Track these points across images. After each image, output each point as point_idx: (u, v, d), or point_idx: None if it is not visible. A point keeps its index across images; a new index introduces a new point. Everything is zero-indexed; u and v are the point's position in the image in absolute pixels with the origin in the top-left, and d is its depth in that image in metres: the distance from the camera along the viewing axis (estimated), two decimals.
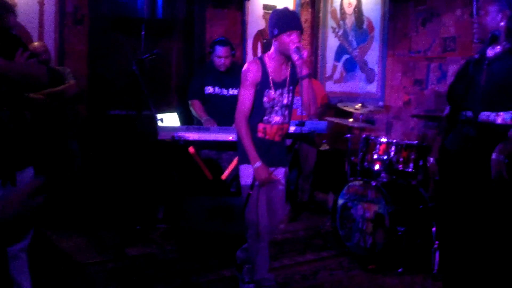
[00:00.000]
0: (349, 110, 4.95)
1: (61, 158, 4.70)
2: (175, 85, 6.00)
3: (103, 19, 5.30)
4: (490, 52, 2.73)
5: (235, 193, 4.32)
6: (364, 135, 4.53)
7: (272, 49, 3.19)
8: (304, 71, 3.06)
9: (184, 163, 4.46)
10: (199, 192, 4.39)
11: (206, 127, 4.33)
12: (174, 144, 4.04)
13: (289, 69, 3.22)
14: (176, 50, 5.96)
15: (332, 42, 6.51)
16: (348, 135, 4.94)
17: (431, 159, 3.05)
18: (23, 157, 2.73)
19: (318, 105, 5.18)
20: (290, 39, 3.06)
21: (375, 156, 4.34)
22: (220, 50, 4.55)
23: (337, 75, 6.44)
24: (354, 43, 6.21)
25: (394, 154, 4.25)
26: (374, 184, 4.07)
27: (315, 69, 6.65)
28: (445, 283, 3.03)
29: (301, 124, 4.24)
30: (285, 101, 3.22)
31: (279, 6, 6.32)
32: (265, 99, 3.17)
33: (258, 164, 3.12)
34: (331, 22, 6.51)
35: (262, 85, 3.16)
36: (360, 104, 4.90)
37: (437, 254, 3.71)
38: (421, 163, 4.22)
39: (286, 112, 3.26)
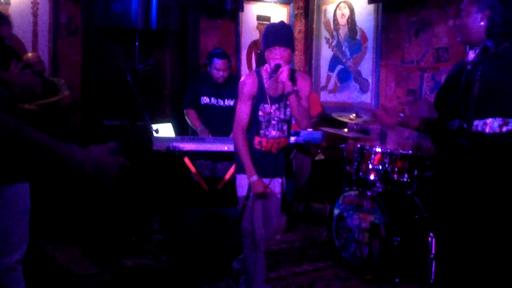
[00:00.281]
0: (344, 120, 4.97)
1: None
2: (169, 95, 5.99)
3: (97, 29, 5.29)
4: (471, 56, 2.71)
5: (230, 203, 4.31)
6: (359, 145, 4.54)
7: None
8: (287, 88, 3.00)
9: (179, 174, 4.45)
10: (194, 203, 4.37)
11: (201, 137, 4.33)
12: (169, 155, 4.03)
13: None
14: (170, 61, 5.97)
15: (326, 53, 6.54)
16: (343, 145, 4.95)
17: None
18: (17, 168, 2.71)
19: (311, 117, 5.18)
20: (272, 56, 3.04)
21: (370, 166, 4.35)
22: (218, 63, 4.56)
23: (331, 85, 6.46)
24: (348, 53, 6.24)
25: (389, 164, 4.26)
26: (369, 194, 4.07)
27: None
28: None
29: (296, 134, 4.26)
30: (282, 115, 3.19)
31: (273, 16, 6.36)
32: (260, 113, 3.16)
33: (254, 178, 3.12)
34: (324, 33, 6.54)
35: (258, 99, 3.15)
36: (354, 114, 4.91)
37: (433, 264, 3.71)
38: (416, 172, 4.22)
39: (285, 127, 3.23)
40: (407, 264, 3.91)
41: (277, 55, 3.03)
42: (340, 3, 6.32)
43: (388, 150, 4.31)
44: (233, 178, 4.16)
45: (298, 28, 6.75)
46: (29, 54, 4.70)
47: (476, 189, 2.68)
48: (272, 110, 3.16)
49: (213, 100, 4.65)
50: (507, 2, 2.59)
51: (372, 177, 4.34)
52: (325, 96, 6.50)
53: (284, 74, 2.96)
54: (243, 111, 3.16)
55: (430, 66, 5.34)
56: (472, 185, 2.71)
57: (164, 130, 4.76)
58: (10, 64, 2.60)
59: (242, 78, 3.23)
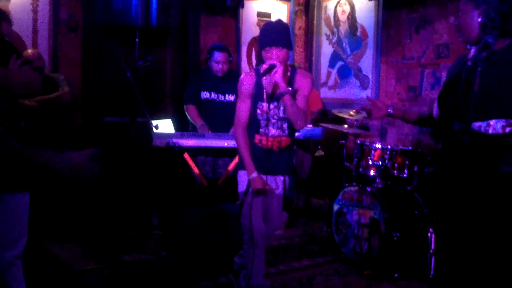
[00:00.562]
0: (344, 116, 4.96)
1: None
2: (169, 92, 5.99)
3: (97, 26, 5.30)
4: (472, 52, 2.70)
5: (230, 199, 4.31)
6: (359, 141, 4.54)
7: None
8: (280, 89, 3.00)
9: (179, 169, 4.45)
10: (194, 198, 4.38)
11: (201, 133, 4.33)
12: (169, 151, 4.03)
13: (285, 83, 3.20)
14: (170, 57, 5.97)
15: (326, 49, 6.54)
16: (343, 141, 4.95)
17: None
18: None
19: (309, 115, 5.17)
20: (268, 56, 3.04)
21: (370, 162, 4.35)
22: (218, 56, 4.55)
23: (331, 81, 6.46)
24: (348, 50, 6.24)
25: (388, 160, 4.26)
26: (369, 190, 4.08)
27: None
28: None
29: (296, 130, 4.25)
30: (281, 114, 3.18)
31: (273, 13, 6.36)
32: (258, 111, 3.18)
33: (254, 175, 3.14)
34: (325, 29, 6.54)
35: (256, 97, 3.17)
36: (354, 110, 4.91)
37: (433, 260, 3.72)
38: (415, 168, 4.23)
39: (285, 126, 3.22)
40: (406, 260, 3.92)
41: (273, 55, 3.03)
42: None
43: (388, 146, 4.31)
44: (233, 174, 4.17)
45: (299, 25, 6.75)
46: (29, 51, 4.70)
47: (476, 185, 2.68)
48: (270, 109, 3.17)
49: (213, 95, 4.64)
50: None
51: (372, 173, 4.34)
52: (325, 93, 6.49)
53: (278, 74, 2.96)
54: (242, 109, 3.20)
55: (430, 62, 5.34)
56: (472, 182, 2.71)
57: (164, 126, 4.76)
58: (9, 61, 2.60)
59: (241, 77, 3.25)
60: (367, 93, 5.98)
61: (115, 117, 5.34)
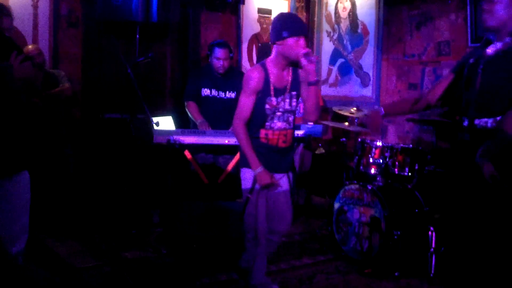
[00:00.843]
0: (344, 114, 4.95)
1: (55, 161, 4.67)
2: (169, 88, 5.98)
3: (97, 22, 5.27)
4: (489, 51, 2.69)
5: (230, 197, 4.31)
6: (359, 139, 4.53)
7: (274, 54, 3.13)
8: (313, 77, 3.05)
9: (180, 167, 4.44)
10: (194, 196, 4.37)
11: (202, 130, 4.32)
12: (169, 148, 4.02)
13: (290, 74, 3.18)
14: (170, 54, 5.95)
15: (327, 46, 6.52)
16: (344, 138, 4.94)
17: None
18: (19, 160, 2.72)
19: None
20: (299, 44, 3.03)
21: (371, 160, 4.34)
22: (219, 52, 4.53)
23: (332, 78, 6.45)
24: (349, 47, 6.22)
25: (389, 158, 4.25)
26: (370, 187, 4.07)
27: None
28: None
29: (296, 127, 4.25)
30: (287, 106, 3.18)
31: (274, 10, 6.34)
32: (267, 106, 3.13)
33: (259, 169, 3.10)
34: (326, 26, 6.52)
35: (264, 93, 3.12)
36: (355, 108, 4.90)
37: (433, 258, 3.72)
38: (416, 167, 4.22)
39: (290, 118, 3.23)
40: (407, 258, 3.91)
41: (302, 43, 3.04)
42: None
43: (389, 144, 4.30)
44: (234, 171, 4.17)
45: None
46: (29, 47, 4.68)
47: (477, 180, 2.68)
48: (277, 102, 3.15)
49: (214, 92, 4.63)
50: None
51: (372, 171, 4.34)
52: (326, 90, 6.48)
53: (313, 63, 3.00)
54: (246, 104, 3.13)
55: (431, 60, 5.33)
56: (473, 176, 2.71)
57: (165, 123, 4.75)
58: (10, 56, 2.59)
59: (248, 72, 3.18)
60: (368, 90, 5.97)
61: (115, 114, 5.33)
